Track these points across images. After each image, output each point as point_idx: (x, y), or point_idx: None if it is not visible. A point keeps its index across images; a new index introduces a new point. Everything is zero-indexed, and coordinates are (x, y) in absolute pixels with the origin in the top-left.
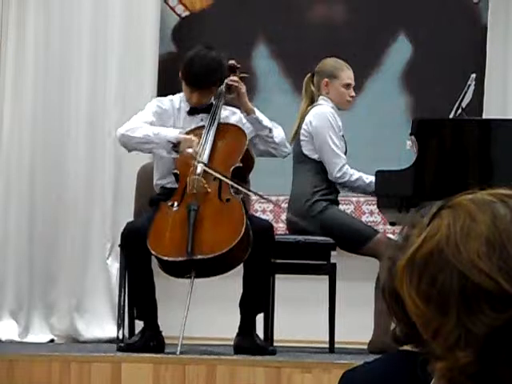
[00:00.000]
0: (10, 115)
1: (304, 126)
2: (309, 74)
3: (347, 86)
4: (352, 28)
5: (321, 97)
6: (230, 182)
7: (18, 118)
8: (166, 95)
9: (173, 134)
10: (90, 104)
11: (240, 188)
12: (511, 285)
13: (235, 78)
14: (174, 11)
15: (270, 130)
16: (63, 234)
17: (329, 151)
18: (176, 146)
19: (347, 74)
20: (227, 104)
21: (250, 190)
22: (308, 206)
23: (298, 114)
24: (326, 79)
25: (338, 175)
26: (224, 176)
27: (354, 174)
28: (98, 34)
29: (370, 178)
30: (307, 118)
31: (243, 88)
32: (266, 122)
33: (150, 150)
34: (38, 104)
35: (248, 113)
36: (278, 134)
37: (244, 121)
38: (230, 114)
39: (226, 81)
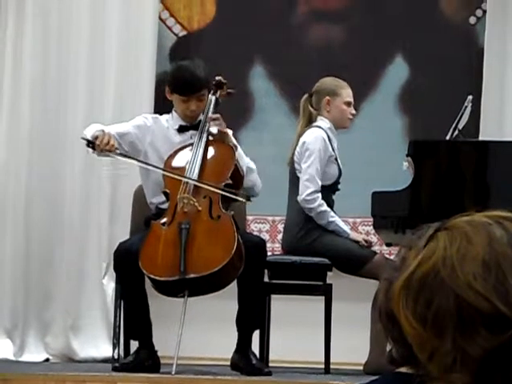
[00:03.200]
0: (6, 132)
1: (297, 148)
2: (306, 95)
3: (348, 103)
4: (349, 49)
5: (319, 117)
6: (222, 192)
7: (15, 136)
8: (162, 114)
9: (92, 131)
10: (87, 123)
11: (233, 196)
12: (507, 307)
13: (216, 119)
14: (172, 31)
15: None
16: (59, 253)
17: (306, 173)
18: (91, 142)
19: (348, 92)
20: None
21: (240, 196)
22: (302, 234)
23: (295, 135)
24: (328, 97)
25: (308, 198)
26: (215, 187)
27: (323, 206)
28: (95, 53)
29: (335, 218)
30: (301, 140)
31: (224, 127)
32: (240, 164)
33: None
34: (34, 124)
35: None
36: (249, 180)
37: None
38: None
39: (208, 119)
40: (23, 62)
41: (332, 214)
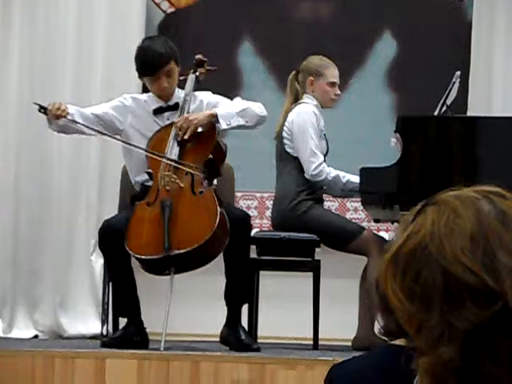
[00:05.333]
0: None
1: (286, 124)
2: (293, 72)
3: (332, 84)
4: (337, 25)
5: (305, 95)
6: (200, 174)
7: (3, 115)
8: (143, 93)
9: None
10: (75, 100)
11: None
12: (495, 281)
13: (178, 126)
14: (160, 7)
15: (243, 125)
16: (48, 229)
17: (306, 149)
18: (44, 108)
19: (332, 73)
20: (197, 89)
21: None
22: (292, 205)
23: (282, 111)
24: (311, 77)
25: (315, 173)
26: (194, 168)
27: (331, 173)
28: (83, 30)
29: (347, 177)
30: (289, 117)
31: (191, 126)
32: (234, 121)
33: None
34: (22, 100)
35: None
36: (251, 117)
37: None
38: (199, 105)
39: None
40: (11, 38)
41: (342, 174)
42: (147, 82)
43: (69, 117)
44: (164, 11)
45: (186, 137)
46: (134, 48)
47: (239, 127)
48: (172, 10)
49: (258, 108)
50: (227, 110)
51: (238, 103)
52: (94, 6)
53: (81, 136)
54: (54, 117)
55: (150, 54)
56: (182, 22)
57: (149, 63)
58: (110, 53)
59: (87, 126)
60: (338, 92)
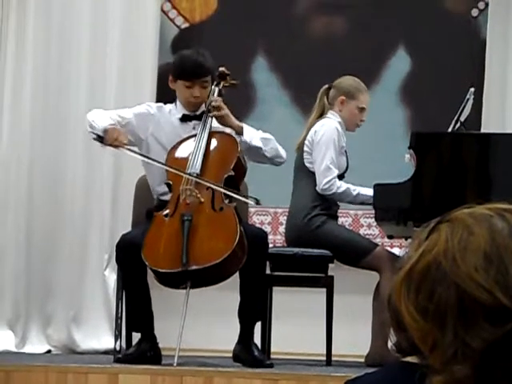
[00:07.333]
0: (8, 125)
1: (308, 137)
2: (325, 86)
3: (361, 109)
4: (351, 41)
5: (330, 111)
6: (223, 191)
7: (17, 127)
8: (166, 104)
9: (102, 124)
10: None
11: (234, 195)
12: (508, 298)
13: (214, 104)
14: (174, 23)
15: (261, 148)
16: (61, 244)
17: (322, 163)
18: (101, 137)
19: (365, 99)
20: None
21: (244, 196)
22: (307, 220)
23: (298, 124)
24: (344, 97)
25: (325, 187)
26: (216, 185)
27: (342, 187)
28: (97, 45)
29: (357, 190)
30: (313, 129)
31: (225, 110)
32: (255, 141)
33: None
34: (36, 114)
35: (237, 132)
36: (270, 148)
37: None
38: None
39: (209, 102)
40: (25, 51)
41: (352, 187)
42: (180, 87)
43: (126, 146)
44: (178, 26)
45: (212, 113)
46: (148, 63)
47: (257, 151)
48: (186, 25)
49: (281, 148)
50: (253, 130)
51: (266, 134)
52: (108, 21)
53: (94, 150)
54: (110, 146)
55: (193, 61)
56: (196, 38)
57: (190, 68)
58: (124, 69)
59: (138, 153)
60: (364, 118)
